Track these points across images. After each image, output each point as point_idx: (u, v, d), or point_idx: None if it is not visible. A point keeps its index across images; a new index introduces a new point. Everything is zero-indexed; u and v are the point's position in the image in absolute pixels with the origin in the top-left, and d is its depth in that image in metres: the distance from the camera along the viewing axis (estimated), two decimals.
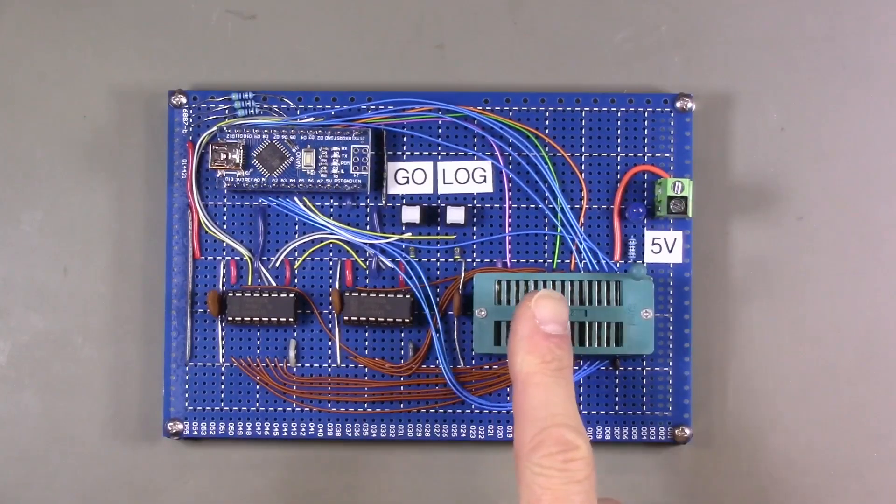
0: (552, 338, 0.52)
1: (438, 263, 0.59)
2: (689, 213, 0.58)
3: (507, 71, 0.60)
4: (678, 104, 0.59)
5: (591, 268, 0.59)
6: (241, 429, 0.59)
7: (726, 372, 0.60)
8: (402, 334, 0.59)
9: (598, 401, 0.59)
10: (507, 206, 0.59)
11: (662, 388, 0.59)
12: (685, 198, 0.58)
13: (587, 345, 0.57)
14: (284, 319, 0.58)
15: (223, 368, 0.59)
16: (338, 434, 0.59)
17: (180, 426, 0.59)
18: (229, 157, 0.58)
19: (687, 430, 0.59)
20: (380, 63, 0.60)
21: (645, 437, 0.59)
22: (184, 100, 0.59)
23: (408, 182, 0.59)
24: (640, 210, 0.58)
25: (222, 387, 0.59)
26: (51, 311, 0.60)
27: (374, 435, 0.59)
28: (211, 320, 0.59)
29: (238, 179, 0.58)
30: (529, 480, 0.50)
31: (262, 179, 0.58)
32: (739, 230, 0.60)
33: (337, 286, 0.59)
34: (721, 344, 0.60)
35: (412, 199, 0.59)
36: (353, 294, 0.58)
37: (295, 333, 0.59)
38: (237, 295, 0.58)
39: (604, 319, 0.57)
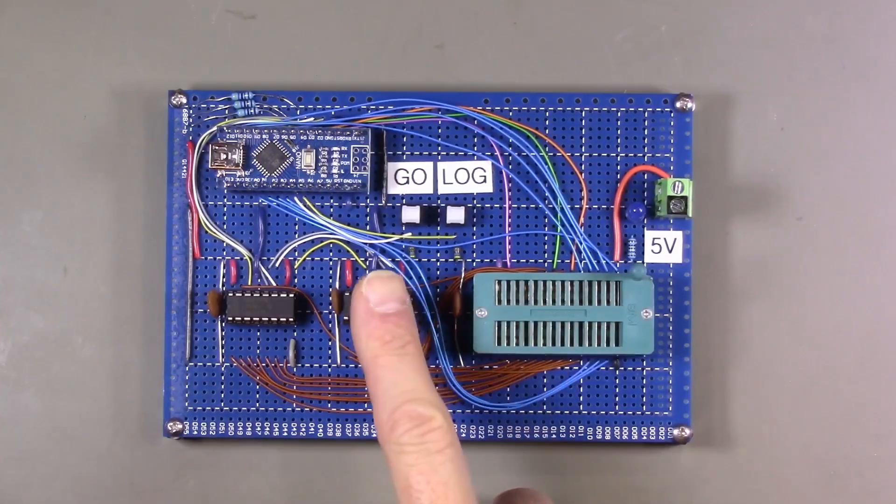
0: (389, 317, 0.53)
1: (438, 263, 0.59)
2: (689, 213, 0.58)
3: (507, 71, 0.60)
4: (678, 104, 0.59)
5: (591, 268, 0.59)
6: (241, 429, 0.59)
7: (726, 372, 0.60)
8: None
9: (598, 401, 0.59)
10: (507, 206, 0.59)
11: (662, 388, 0.59)
12: (685, 198, 0.58)
13: (587, 345, 0.57)
14: (284, 319, 0.58)
15: (223, 368, 0.59)
16: (338, 434, 0.59)
17: (180, 426, 0.59)
18: (229, 157, 0.58)
19: (687, 430, 0.59)
20: (380, 63, 0.60)
21: (645, 437, 0.59)
22: (184, 100, 0.59)
23: (408, 182, 0.59)
24: (640, 210, 0.58)
25: (222, 387, 0.59)
26: (51, 311, 0.60)
27: (374, 435, 0.59)
28: (211, 320, 0.59)
29: (238, 179, 0.58)
30: (395, 461, 0.50)
31: (262, 179, 0.58)
32: (739, 230, 0.60)
33: (337, 286, 0.59)
34: (721, 344, 0.60)
35: (412, 199, 0.59)
36: None
37: (295, 333, 0.59)
38: (237, 295, 0.58)
39: (604, 319, 0.57)
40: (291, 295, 0.58)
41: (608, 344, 0.57)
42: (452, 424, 0.51)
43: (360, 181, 0.58)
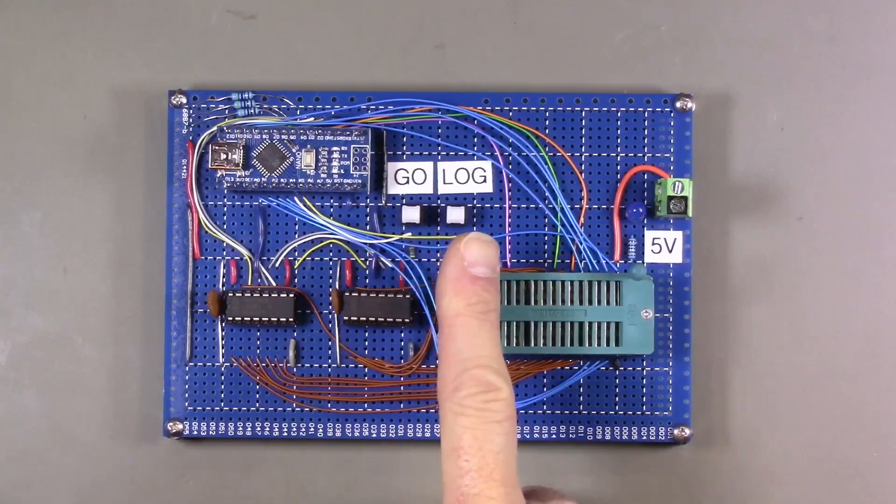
0: (479, 280, 0.52)
1: (438, 263, 0.59)
2: (689, 213, 0.58)
3: (507, 71, 0.60)
4: (678, 104, 0.59)
5: (591, 268, 0.59)
6: (241, 429, 0.59)
7: (726, 372, 0.60)
8: (402, 334, 0.59)
9: (598, 401, 0.59)
10: (507, 206, 0.59)
11: (662, 388, 0.59)
12: (685, 198, 0.58)
13: (587, 345, 0.57)
14: (284, 319, 0.58)
15: (223, 368, 0.59)
16: (338, 434, 0.59)
17: (180, 426, 0.59)
18: (229, 157, 0.58)
19: (687, 430, 0.59)
20: (380, 63, 0.60)
21: (645, 437, 0.59)
22: (184, 100, 0.59)
23: (408, 182, 0.59)
24: (640, 210, 0.58)
25: (222, 387, 0.59)
26: (51, 311, 0.60)
27: (374, 435, 0.59)
28: (211, 320, 0.59)
29: (238, 179, 0.58)
30: (451, 420, 0.50)
31: (262, 179, 0.58)
32: (739, 230, 0.60)
33: (337, 286, 0.59)
34: (721, 344, 0.60)
35: (412, 199, 0.59)
36: (353, 294, 0.58)
37: (295, 333, 0.59)
38: (237, 295, 0.58)
39: (603, 319, 0.57)
40: (291, 295, 0.58)
41: (608, 344, 0.57)
42: (514, 401, 0.50)
43: (360, 181, 0.58)
